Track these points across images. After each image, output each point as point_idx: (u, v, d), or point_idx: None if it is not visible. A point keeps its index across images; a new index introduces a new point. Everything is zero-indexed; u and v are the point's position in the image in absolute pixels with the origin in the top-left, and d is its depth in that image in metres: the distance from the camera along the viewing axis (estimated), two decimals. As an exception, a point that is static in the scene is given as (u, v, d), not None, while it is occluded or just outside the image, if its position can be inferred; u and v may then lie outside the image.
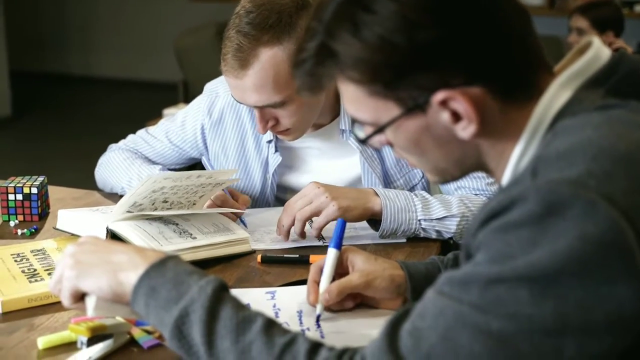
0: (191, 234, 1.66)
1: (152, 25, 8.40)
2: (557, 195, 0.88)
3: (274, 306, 1.44)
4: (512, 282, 0.89)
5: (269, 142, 1.97)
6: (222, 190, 1.84)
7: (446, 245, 1.82)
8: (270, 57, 1.70)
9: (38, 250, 1.65)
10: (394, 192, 1.78)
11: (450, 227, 1.77)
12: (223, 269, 1.63)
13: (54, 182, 2.10)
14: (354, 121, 1.11)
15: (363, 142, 1.10)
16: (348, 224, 1.65)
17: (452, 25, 0.97)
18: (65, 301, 1.19)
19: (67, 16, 8.81)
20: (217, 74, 2.06)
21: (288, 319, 1.39)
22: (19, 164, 5.74)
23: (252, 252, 1.71)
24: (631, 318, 0.88)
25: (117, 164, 2.06)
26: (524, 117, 1.02)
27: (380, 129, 1.05)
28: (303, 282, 1.47)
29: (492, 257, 0.92)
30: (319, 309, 1.39)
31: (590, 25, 4.15)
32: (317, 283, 1.42)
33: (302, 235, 1.75)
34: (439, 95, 0.98)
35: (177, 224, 1.69)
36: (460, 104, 0.98)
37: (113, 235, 1.63)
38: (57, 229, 1.75)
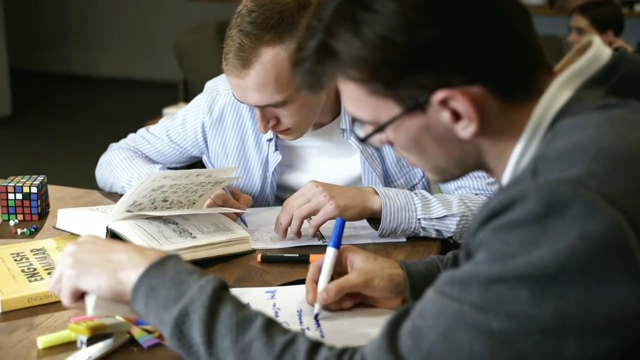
0: (191, 233, 1.66)
1: (152, 25, 8.40)
2: (558, 195, 0.88)
3: (274, 305, 1.44)
4: (513, 282, 0.89)
5: (269, 140, 1.97)
6: (223, 189, 1.84)
7: (446, 244, 1.81)
8: (272, 56, 1.70)
9: (38, 250, 1.65)
10: (394, 191, 1.78)
11: (450, 227, 1.77)
12: (223, 268, 1.62)
13: (54, 181, 2.10)
14: (354, 120, 1.11)
15: (363, 141, 1.10)
16: (348, 223, 1.66)
17: (452, 24, 0.97)
18: (65, 300, 1.19)
19: (67, 15, 8.81)
20: (217, 73, 2.06)
21: (288, 319, 1.39)
22: (19, 163, 5.74)
23: (252, 252, 1.71)
24: (632, 318, 0.88)
25: (117, 163, 2.06)
26: (524, 117, 1.02)
27: (380, 128, 1.05)
28: (303, 281, 1.47)
29: (493, 256, 0.92)
30: (317, 308, 1.39)
31: (590, 25, 4.15)
32: (316, 282, 1.42)
33: (299, 234, 1.75)
34: (439, 95, 0.98)
35: (177, 223, 1.69)
36: (460, 104, 0.98)
37: (113, 235, 1.63)
38: (57, 229, 1.75)
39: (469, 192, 1.87)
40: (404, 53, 0.97)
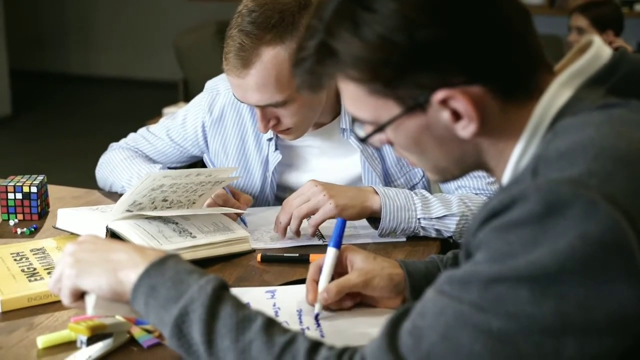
0: (191, 233, 1.66)
1: (152, 24, 8.40)
2: (558, 195, 0.88)
3: (274, 305, 1.44)
4: (513, 282, 0.89)
5: (270, 140, 1.97)
6: (224, 189, 1.84)
7: (446, 244, 1.82)
8: (273, 56, 1.70)
9: (38, 250, 1.65)
10: (393, 190, 1.78)
11: (449, 226, 1.77)
12: (223, 268, 1.62)
13: (54, 181, 2.10)
14: (354, 120, 1.11)
15: (363, 140, 1.10)
16: (348, 223, 1.66)
17: (452, 24, 0.97)
18: (65, 300, 1.19)
19: (66, 15, 8.81)
20: (217, 72, 2.06)
21: (288, 318, 1.39)
22: (19, 162, 5.74)
23: (252, 251, 1.71)
24: (632, 318, 0.88)
25: (117, 163, 2.06)
26: (524, 117, 1.01)
27: (380, 128, 1.05)
28: (303, 281, 1.47)
29: (493, 256, 0.92)
30: (317, 308, 1.39)
31: (590, 24, 4.15)
32: (316, 282, 1.42)
33: (298, 233, 1.75)
34: (439, 94, 0.98)
35: (176, 223, 1.69)
36: (460, 103, 0.98)
37: (113, 234, 1.63)
38: (57, 228, 1.75)
39: (469, 192, 1.88)
40: (404, 53, 0.97)
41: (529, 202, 0.89)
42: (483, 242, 0.94)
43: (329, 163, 1.98)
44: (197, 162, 2.19)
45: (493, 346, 0.90)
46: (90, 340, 1.25)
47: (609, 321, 0.88)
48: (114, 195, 2.04)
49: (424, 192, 1.82)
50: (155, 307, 1.09)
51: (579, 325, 0.88)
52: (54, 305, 1.41)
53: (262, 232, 1.82)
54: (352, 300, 1.42)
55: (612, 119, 0.97)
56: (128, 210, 1.67)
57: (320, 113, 1.88)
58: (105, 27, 8.66)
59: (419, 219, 1.76)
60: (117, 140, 2.18)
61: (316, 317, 1.38)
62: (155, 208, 1.70)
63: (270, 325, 1.06)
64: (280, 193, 2.02)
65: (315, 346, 1.03)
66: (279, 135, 1.90)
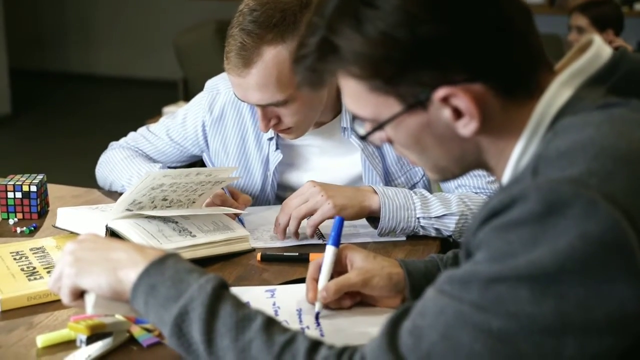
0: (191, 232, 1.66)
1: (152, 23, 8.39)
2: (558, 194, 0.88)
3: (274, 304, 1.44)
4: (513, 281, 0.89)
5: (270, 139, 1.97)
6: (222, 189, 1.84)
7: (446, 243, 1.82)
8: (274, 55, 1.70)
9: (37, 249, 1.64)
10: (393, 190, 1.78)
11: (449, 226, 1.77)
12: (223, 267, 1.62)
13: (54, 180, 2.10)
14: (354, 118, 1.10)
15: (363, 138, 1.10)
16: (348, 222, 1.66)
17: (454, 20, 0.97)
18: (65, 299, 1.19)
19: (67, 14, 8.80)
20: (217, 71, 2.06)
21: (288, 317, 1.38)
22: (19, 162, 5.74)
23: (252, 250, 1.71)
24: (632, 318, 0.88)
25: (117, 162, 2.06)
26: (525, 115, 1.01)
27: (380, 126, 1.05)
28: (303, 280, 1.47)
29: (493, 255, 0.92)
30: (317, 306, 1.39)
31: (590, 24, 4.15)
32: (316, 280, 1.42)
33: (297, 234, 1.75)
34: (441, 92, 0.98)
35: (176, 222, 1.69)
36: (461, 101, 0.98)
37: (112, 233, 1.62)
38: (57, 227, 1.75)
39: (469, 191, 1.88)
40: (406, 49, 0.97)
41: (529, 201, 0.89)
42: (483, 242, 0.94)
43: (330, 162, 1.98)
44: (197, 162, 2.19)
45: (493, 346, 0.90)
46: (90, 340, 1.25)
47: (609, 321, 0.87)
48: (113, 195, 2.04)
49: (424, 191, 1.82)
50: (155, 306, 1.09)
51: (579, 325, 0.88)
52: (54, 304, 1.41)
53: (262, 231, 1.82)
54: (352, 300, 1.42)
55: (613, 118, 0.97)
56: (128, 210, 1.67)
57: (321, 112, 1.88)
58: (105, 26, 8.66)
59: (418, 218, 1.76)
60: (117, 139, 2.18)
61: (316, 316, 1.38)
62: (155, 207, 1.70)
63: (270, 324, 1.06)
64: (280, 192, 2.02)
65: (315, 345, 1.03)
66: (279, 134, 1.90)
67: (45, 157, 5.97)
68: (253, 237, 1.77)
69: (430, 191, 1.87)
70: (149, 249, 1.17)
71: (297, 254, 1.67)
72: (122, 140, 2.16)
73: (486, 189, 1.87)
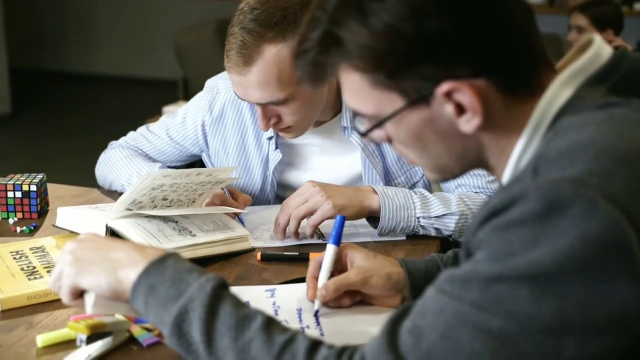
0: (190, 232, 1.66)
1: (152, 23, 8.40)
2: (558, 194, 0.88)
3: (274, 304, 1.44)
4: (513, 281, 0.89)
5: (270, 139, 1.97)
6: (222, 189, 1.84)
7: (446, 242, 1.82)
8: (274, 54, 1.70)
9: (37, 248, 1.64)
10: (393, 189, 1.78)
11: (449, 225, 1.77)
12: (222, 267, 1.62)
13: (54, 179, 2.10)
14: (355, 114, 1.10)
15: (364, 135, 1.09)
16: (348, 222, 1.65)
17: (459, 15, 0.97)
18: (65, 298, 1.19)
19: (67, 14, 8.80)
20: (217, 71, 2.06)
21: (287, 317, 1.38)
22: (18, 161, 5.74)
23: (252, 250, 1.71)
24: (632, 318, 0.88)
25: (116, 161, 2.06)
26: (526, 114, 1.01)
27: (382, 122, 1.04)
28: (302, 279, 1.47)
29: (493, 255, 0.91)
30: (316, 304, 1.39)
31: (589, 23, 4.15)
32: (317, 279, 1.42)
33: (296, 234, 1.75)
34: (444, 87, 0.98)
35: (176, 222, 1.69)
36: (465, 96, 0.98)
37: (112, 233, 1.62)
38: (57, 227, 1.75)
39: (469, 190, 1.88)
40: (410, 42, 0.97)
41: (530, 201, 0.89)
42: (483, 241, 0.94)
43: (330, 161, 1.98)
44: (197, 162, 2.19)
45: (493, 345, 0.90)
46: (90, 339, 1.24)
47: (609, 321, 0.87)
48: (113, 194, 2.04)
49: (423, 191, 1.82)
50: (155, 306, 1.09)
51: (579, 325, 0.87)
52: (54, 303, 1.41)
53: (261, 231, 1.82)
54: (351, 299, 1.42)
55: (613, 118, 0.97)
56: (128, 209, 1.67)
57: (321, 111, 1.88)
58: (105, 26, 8.66)
59: (418, 217, 1.76)
60: (117, 138, 2.18)
61: (315, 314, 1.38)
62: (155, 207, 1.70)
63: (270, 324, 1.06)
64: (280, 192, 2.02)
65: (315, 345, 1.03)
66: (279, 133, 1.90)
67: (45, 156, 5.97)
68: (253, 237, 1.77)
69: (430, 190, 1.87)
70: (148, 248, 1.17)
71: (297, 253, 1.67)
72: (122, 140, 2.16)
73: (486, 189, 1.87)
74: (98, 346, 1.25)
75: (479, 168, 1.10)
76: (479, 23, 0.97)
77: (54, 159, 5.85)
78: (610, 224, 0.86)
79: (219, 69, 1.99)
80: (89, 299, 1.16)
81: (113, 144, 2.16)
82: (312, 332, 1.34)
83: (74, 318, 1.28)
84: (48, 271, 1.52)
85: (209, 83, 2.07)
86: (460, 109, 0.99)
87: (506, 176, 1.04)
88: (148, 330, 1.30)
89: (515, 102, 1.01)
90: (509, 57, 0.99)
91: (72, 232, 1.71)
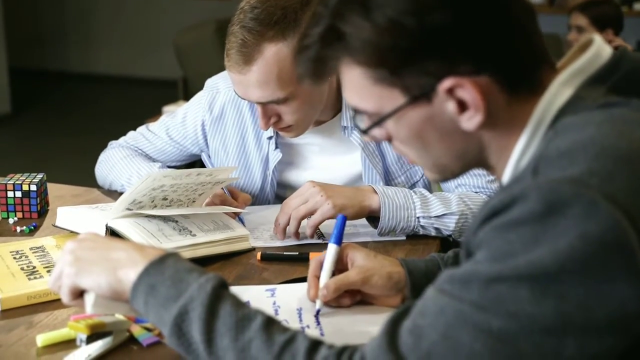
0: (190, 231, 1.66)
1: (152, 22, 8.40)
2: (559, 194, 0.88)
3: (274, 304, 1.44)
4: (513, 281, 0.89)
5: (270, 138, 1.97)
6: (222, 189, 1.84)
7: (446, 242, 1.82)
8: (275, 53, 1.70)
9: (37, 248, 1.64)
10: (392, 189, 1.78)
11: (449, 225, 1.77)
12: (222, 267, 1.62)
13: (53, 179, 2.10)
14: (355, 112, 1.09)
15: (364, 132, 1.09)
16: (349, 222, 1.65)
17: (462, 9, 0.96)
18: (65, 298, 1.19)
19: (66, 13, 8.81)
20: (216, 71, 2.06)
21: (288, 317, 1.38)
22: (18, 161, 5.74)
23: (252, 250, 1.71)
24: (632, 318, 0.88)
25: (116, 161, 2.06)
26: (527, 112, 1.01)
27: (383, 119, 1.04)
28: (303, 279, 1.47)
29: (493, 255, 0.91)
30: (318, 304, 1.39)
31: (589, 23, 4.15)
32: (318, 278, 1.42)
33: (297, 234, 1.75)
34: (447, 83, 0.98)
35: (176, 221, 1.69)
36: (468, 92, 0.98)
37: (112, 233, 1.62)
38: (57, 227, 1.75)
39: (469, 190, 1.88)
40: (414, 37, 0.96)
41: (530, 201, 0.89)
42: (483, 241, 0.94)
43: (330, 161, 1.98)
44: (197, 161, 2.19)
45: (493, 345, 0.90)
46: (90, 339, 1.24)
47: (609, 321, 0.87)
48: (113, 194, 2.04)
49: (423, 190, 1.82)
50: (155, 306, 1.09)
51: (579, 325, 0.87)
52: (54, 303, 1.41)
53: (261, 231, 1.82)
54: (351, 298, 1.42)
55: (613, 118, 0.97)
56: (128, 209, 1.67)
57: (321, 110, 1.88)
58: (105, 25, 8.67)
59: (418, 217, 1.76)
60: (117, 138, 2.18)
61: (317, 313, 1.38)
62: (155, 207, 1.70)
63: (270, 324, 1.06)
64: (280, 191, 2.02)
65: (315, 345, 1.03)
66: (279, 132, 1.90)
67: (45, 156, 5.97)
68: (253, 237, 1.77)
69: (430, 190, 1.87)
70: (148, 248, 1.17)
71: (297, 253, 1.67)
72: (122, 140, 2.16)
73: (486, 188, 1.87)
74: (98, 346, 1.25)
75: (479, 167, 1.09)
76: (482, 18, 0.97)
77: (54, 158, 5.85)
78: (610, 224, 0.86)
79: (219, 68, 1.99)
80: (89, 299, 1.16)
81: (113, 144, 2.16)
82: (312, 332, 1.34)
83: (74, 318, 1.28)
84: (48, 271, 1.52)
85: (209, 83, 2.07)
86: (462, 106, 0.99)
87: (506, 176, 1.04)
88: (148, 330, 1.30)
89: (516, 101, 1.01)
90: (511, 54, 0.99)
91: (72, 231, 1.71)
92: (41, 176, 1.92)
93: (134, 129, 2.17)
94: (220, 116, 2.01)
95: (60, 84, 8.43)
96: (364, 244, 1.70)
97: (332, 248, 1.43)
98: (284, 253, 1.68)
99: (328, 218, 1.71)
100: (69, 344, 1.27)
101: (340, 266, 1.44)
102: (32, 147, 6.32)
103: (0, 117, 7.01)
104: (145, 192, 1.64)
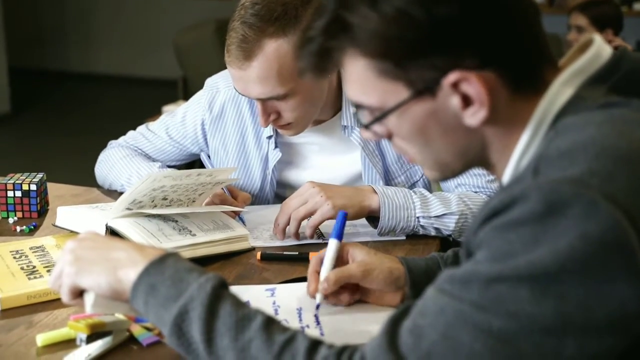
0: (190, 231, 1.66)
1: (152, 22, 8.40)
2: (559, 194, 0.88)
3: (274, 303, 1.44)
4: (513, 281, 0.89)
5: (269, 137, 1.97)
6: (222, 188, 1.84)
7: (446, 242, 1.82)
8: (275, 49, 1.70)
9: (37, 247, 1.64)
10: (392, 189, 1.78)
11: (448, 225, 1.77)
12: (222, 266, 1.62)
13: (53, 179, 2.10)
14: (357, 107, 1.08)
15: (366, 127, 1.08)
16: (348, 222, 1.65)
17: (469, 2, 0.96)
18: (65, 297, 1.19)
19: (66, 13, 8.80)
20: (216, 70, 2.06)
21: (287, 316, 1.38)
22: (18, 160, 5.74)
23: (252, 249, 1.71)
24: (632, 318, 0.88)
25: (116, 161, 2.06)
26: (529, 111, 1.01)
27: (386, 113, 1.03)
28: (303, 279, 1.47)
29: (493, 255, 0.91)
30: (318, 298, 1.39)
31: (589, 23, 4.15)
32: (318, 273, 1.42)
33: (297, 235, 1.75)
34: (452, 76, 0.97)
35: (176, 221, 1.69)
36: (473, 87, 0.97)
37: (112, 232, 1.62)
38: (56, 226, 1.75)
39: (469, 190, 1.88)
40: (421, 29, 0.96)
41: (530, 201, 0.89)
42: (484, 241, 0.94)
43: (329, 160, 1.98)
44: (196, 161, 2.19)
45: (493, 345, 0.90)
46: (90, 338, 1.24)
47: (610, 321, 0.87)
48: (113, 193, 2.04)
49: (423, 190, 1.82)
50: (155, 305, 1.09)
51: (579, 325, 0.87)
52: (54, 303, 1.41)
53: (261, 230, 1.82)
54: (351, 295, 1.42)
55: (613, 118, 0.97)
56: (128, 209, 1.67)
57: (321, 109, 1.88)
58: (105, 25, 8.66)
59: (417, 217, 1.76)
60: (117, 138, 2.18)
61: (317, 307, 1.38)
62: (155, 206, 1.70)
63: (270, 323, 1.06)
64: (280, 190, 2.02)
65: (314, 345, 1.03)
66: (279, 130, 1.90)
67: (44, 155, 5.97)
68: (252, 236, 1.77)
69: (430, 190, 1.87)
70: (148, 248, 1.17)
71: (297, 253, 1.67)
72: (122, 139, 2.16)
73: (486, 188, 1.87)
74: (98, 345, 1.25)
75: (479, 166, 1.09)
76: (489, 11, 0.97)
77: (53, 158, 5.85)
78: (610, 224, 0.86)
79: (219, 68, 1.99)
80: (89, 299, 1.16)
81: (112, 143, 2.16)
82: (312, 331, 1.34)
83: (74, 317, 1.28)
84: (48, 270, 1.52)
85: (209, 82, 2.07)
86: (466, 102, 0.99)
87: (507, 175, 1.04)
88: (148, 329, 1.30)
89: (520, 98, 1.01)
90: (516, 50, 0.99)
91: (72, 231, 1.71)
92: (41, 176, 1.92)
93: (134, 128, 2.17)
94: (220, 115, 2.01)
95: (60, 84, 8.43)
96: (364, 244, 1.69)
97: (332, 243, 1.43)
98: (284, 253, 1.68)
99: (328, 218, 1.71)
100: (69, 343, 1.27)
101: (340, 263, 1.44)
102: (32, 147, 6.32)
103: (0, 117, 7.01)
104: (146, 192, 1.64)
